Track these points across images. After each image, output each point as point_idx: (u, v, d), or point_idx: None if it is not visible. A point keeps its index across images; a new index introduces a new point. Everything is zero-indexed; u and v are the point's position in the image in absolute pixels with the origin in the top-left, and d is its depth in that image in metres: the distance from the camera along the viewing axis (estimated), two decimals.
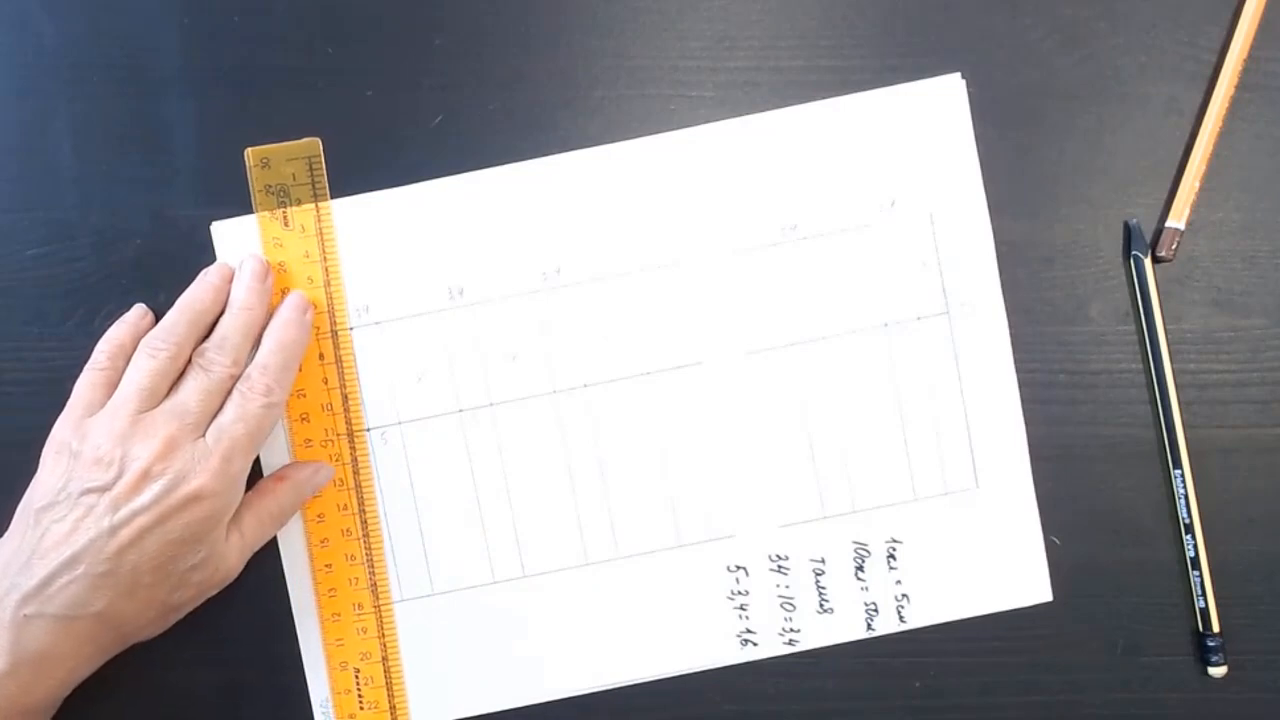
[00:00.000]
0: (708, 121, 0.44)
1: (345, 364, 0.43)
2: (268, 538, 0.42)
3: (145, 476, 0.38)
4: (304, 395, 0.43)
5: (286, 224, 0.43)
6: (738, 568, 0.44)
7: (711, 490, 0.44)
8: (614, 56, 0.44)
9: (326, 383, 0.43)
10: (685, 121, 0.44)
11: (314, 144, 0.43)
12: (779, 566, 0.44)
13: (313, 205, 0.43)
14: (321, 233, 0.43)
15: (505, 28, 0.44)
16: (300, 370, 0.43)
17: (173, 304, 0.42)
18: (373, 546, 0.43)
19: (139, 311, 0.42)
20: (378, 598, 0.43)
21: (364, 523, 0.43)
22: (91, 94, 0.43)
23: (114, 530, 0.37)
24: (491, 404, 0.44)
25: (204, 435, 0.39)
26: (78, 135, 0.43)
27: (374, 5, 0.44)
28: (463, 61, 0.44)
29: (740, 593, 0.44)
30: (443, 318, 0.43)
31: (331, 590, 0.43)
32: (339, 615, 0.43)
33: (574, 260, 0.43)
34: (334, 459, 0.43)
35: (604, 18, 0.44)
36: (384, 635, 0.43)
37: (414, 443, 0.43)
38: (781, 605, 0.44)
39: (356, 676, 0.43)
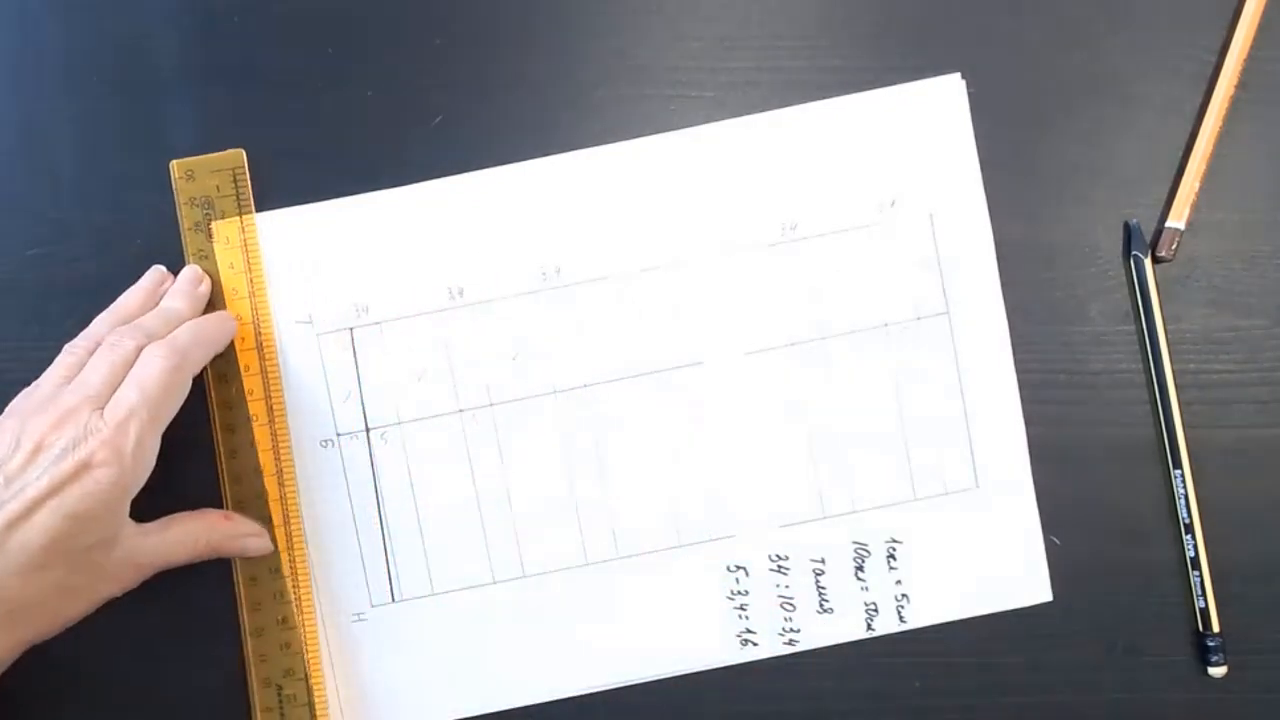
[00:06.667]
0: (708, 121, 0.44)
1: (271, 375, 0.43)
2: (185, 559, 0.40)
3: (38, 448, 0.37)
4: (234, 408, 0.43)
5: (210, 236, 0.43)
6: (738, 568, 0.44)
7: (711, 490, 0.44)
8: (614, 56, 0.44)
9: (251, 394, 0.43)
10: (685, 121, 0.44)
11: (238, 155, 0.43)
12: (779, 566, 0.44)
13: (237, 218, 0.43)
14: (246, 245, 0.43)
15: (505, 28, 0.44)
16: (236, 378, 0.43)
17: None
18: (296, 560, 0.43)
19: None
20: (302, 613, 0.43)
21: (289, 536, 0.43)
22: (91, 94, 0.43)
23: (2, 505, 0.36)
24: (491, 404, 0.43)
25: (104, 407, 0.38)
26: (78, 135, 0.43)
27: (374, 5, 0.44)
28: (463, 61, 0.44)
29: (740, 593, 0.44)
30: (443, 318, 0.43)
31: (256, 604, 0.43)
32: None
33: (574, 260, 0.43)
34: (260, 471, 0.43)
35: (604, 18, 0.44)
36: (307, 651, 0.43)
37: (414, 443, 0.43)
38: (781, 605, 0.44)
39: (281, 693, 0.43)
